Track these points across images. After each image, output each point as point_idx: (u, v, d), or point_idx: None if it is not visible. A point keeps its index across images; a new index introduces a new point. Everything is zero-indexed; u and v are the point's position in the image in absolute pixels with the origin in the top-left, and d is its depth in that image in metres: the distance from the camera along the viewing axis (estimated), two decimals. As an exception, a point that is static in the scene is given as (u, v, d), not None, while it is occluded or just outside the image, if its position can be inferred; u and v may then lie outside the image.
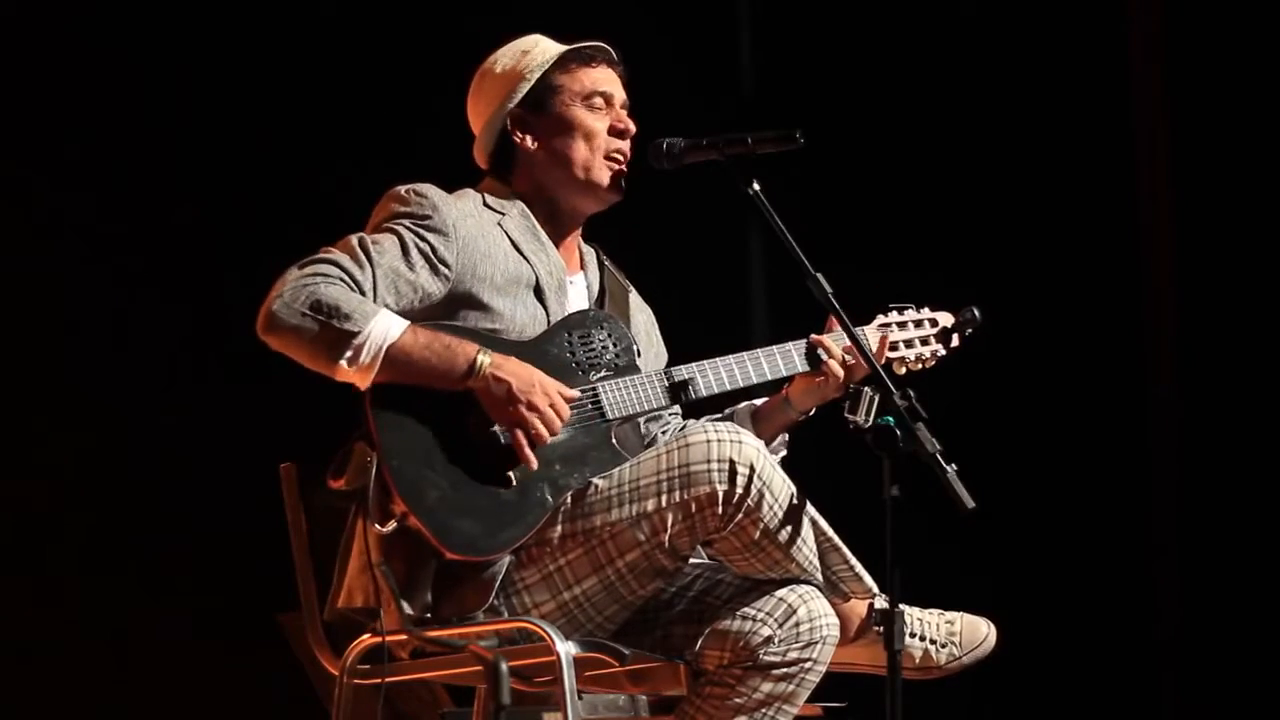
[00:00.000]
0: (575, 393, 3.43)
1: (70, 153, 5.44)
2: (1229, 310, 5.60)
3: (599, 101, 3.64)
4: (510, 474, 3.36)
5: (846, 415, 3.42)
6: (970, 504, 3.10)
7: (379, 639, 3.34)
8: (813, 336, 3.64)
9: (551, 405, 3.37)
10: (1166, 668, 5.65)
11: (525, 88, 3.62)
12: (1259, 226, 5.57)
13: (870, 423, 3.32)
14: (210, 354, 5.45)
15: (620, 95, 3.67)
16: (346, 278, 3.35)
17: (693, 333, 3.75)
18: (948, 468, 3.10)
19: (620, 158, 3.64)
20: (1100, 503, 5.66)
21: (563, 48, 3.66)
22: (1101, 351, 5.70)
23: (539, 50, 3.66)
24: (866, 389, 3.40)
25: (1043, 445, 5.66)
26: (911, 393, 3.17)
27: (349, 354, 3.30)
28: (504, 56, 3.67)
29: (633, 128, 3.65)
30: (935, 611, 3.56)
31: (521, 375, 3.37)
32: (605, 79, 3.66)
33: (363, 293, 3.36)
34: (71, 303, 5.40)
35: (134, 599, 5.37)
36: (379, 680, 3.36)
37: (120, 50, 5.47)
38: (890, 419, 3.13)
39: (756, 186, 3.39)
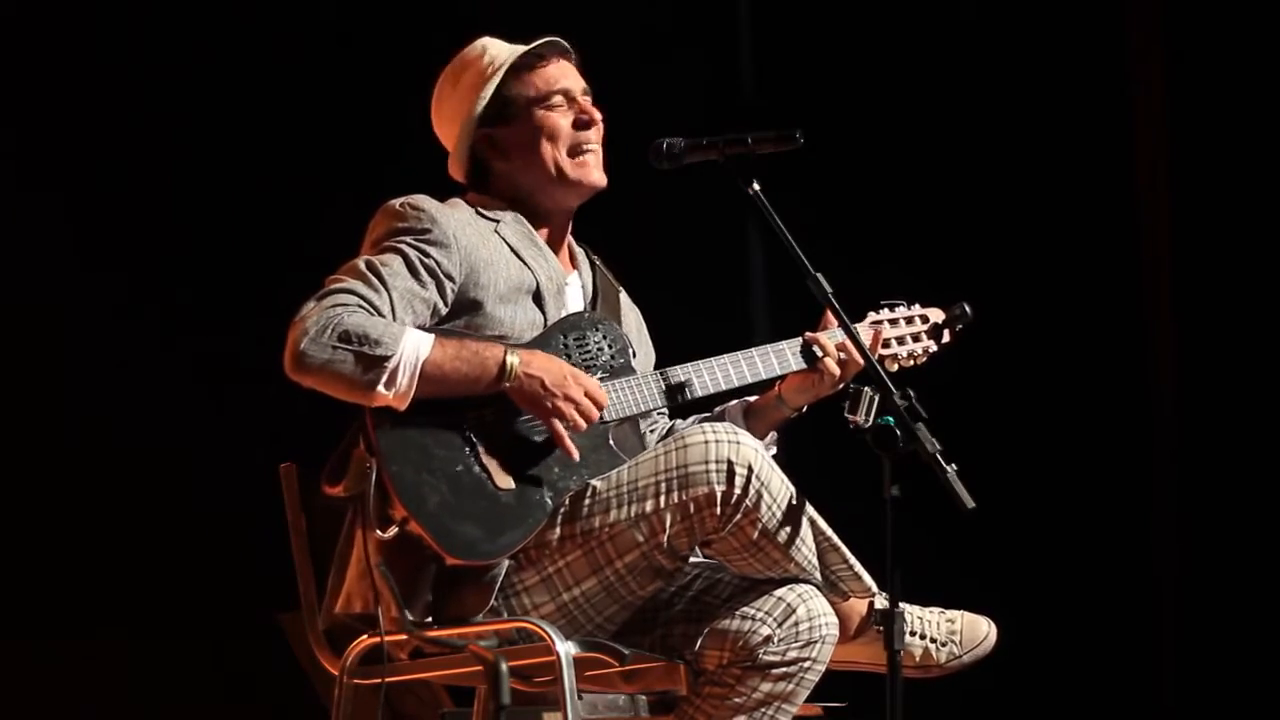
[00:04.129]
0: (598, 385, 3.43)
1: (73, 152, 5.44)
2: (1229, 309, 5.60)
3: (558, 100, 3.62)
4: (510, 477, 3.37)
5: (846, 415, 3.42)
6: (970, 504, 3.10)
7: (378, 639, 3.34)
8: (807, 334, 3.64)
9: (587, 394, 3.38)
10: (1166, 666, 5.65)
11: (481, 106, 3.59)
12: (1258, 224, 5.57)
13: (870, 423, 3.32)
14: (210, 353, 5.45)
15: (578, 85, 3.65)
16: (366, 304, 3.34)
17: (693, 332, 3.75)
18: (948, 468, 3.10)
19: (588, 148, 3.62)
20: (1101, 502, 5.66)
21: (511, 50, 3.63)
22: (1101, 351, 5.70)
23: (487, 61, 3.61)
24: (866, 389, 3.41)
25: (1043, 444, 5.66)
26: (911, 392, 3.17)
27: (385, 378, 3.29)
28: (454, 72, 3.64)
29: (597, 115, 3.63)
30: (935, 610, 3.56)
31: (552, 369, 3.38)
32: (559, 74, 3.64)
33: (382, 317, 3.35)
34: (71, 302, 5.40)
35: (133, 599, 5.37)
36: (379, 680, 3.36)
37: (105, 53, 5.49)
38: (890, 419, 3.13)
39: (756, 186, 3.40)
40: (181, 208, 5.52)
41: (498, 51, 3.64)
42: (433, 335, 3.36)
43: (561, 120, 3.61)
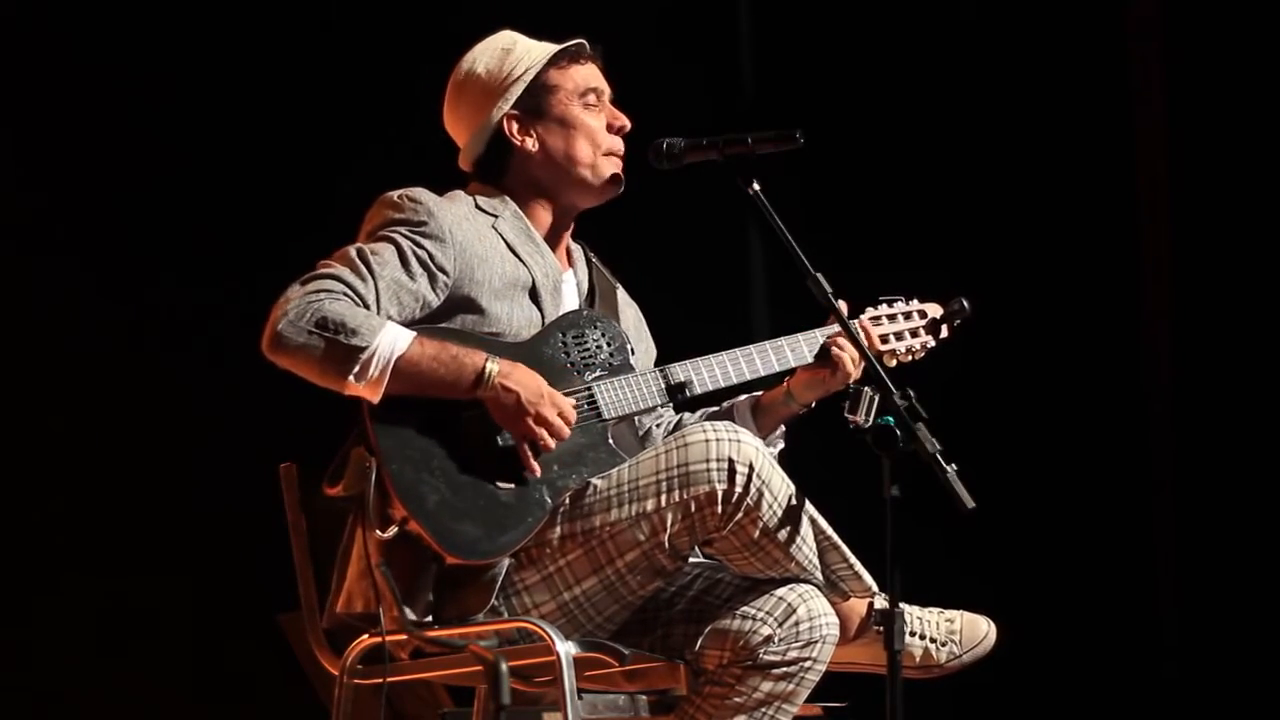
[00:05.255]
0: (570, 405, 3.43)
1: (74, 150, 5.44)
2: (1228, 310, 5.60)
3: (593, 98, 3.63)
4: (509, 475, 3.37)
5: (846, 415, 3.42)
6: (970, 504, 3.10)
7: (379, 639, 3.34)
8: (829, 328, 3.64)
9: (560, 415, 3.37)
10: (1167, 666, 5.65)
11: (519, 89, 3.59)
12: (1258, 225, 5.57)
13: (870, 422, 3.32)
14: (211, 353, 5.44)
15: (608, 89, 3.67)
16: (350, 292, 3.34)
17: (693, 332, 3.75)
18: (948, 468, 3.10)
19: (618, 153, 3.63)
20: (1100, 501, 5.66)
21: (546, 45, 3.64)
22: (1101, 351, 5.71)
23: (523, 49, 3.62)
24: (866, 389, 3.41)
25: (1042, 444, 5.66)
26: (911, 392, 3.17)
27: (357, 369, 3.29)
28: (483, 57, 3.63)
29: (629, 124, 3.65)
30: (935, 610, 3.56)
31: (530, 385, 3.37)
32: (594, 75, 3.65)
33: (366, 306, 3.35)
34: (72, 302, 5.39)
35: (133, 599, 5.37)
36: (379, 680, 3.36)
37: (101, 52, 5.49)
38: (890, 419, 3.13)
39: (757, 186, 3.40)
40: (183, 207, 5.51)
41: (529, 41, 3.64)
42: (413, 333, 3.35)
43: (595, 121, 3.62)
